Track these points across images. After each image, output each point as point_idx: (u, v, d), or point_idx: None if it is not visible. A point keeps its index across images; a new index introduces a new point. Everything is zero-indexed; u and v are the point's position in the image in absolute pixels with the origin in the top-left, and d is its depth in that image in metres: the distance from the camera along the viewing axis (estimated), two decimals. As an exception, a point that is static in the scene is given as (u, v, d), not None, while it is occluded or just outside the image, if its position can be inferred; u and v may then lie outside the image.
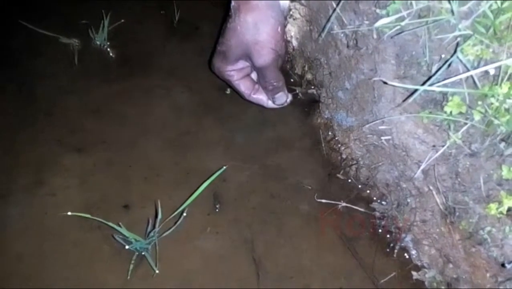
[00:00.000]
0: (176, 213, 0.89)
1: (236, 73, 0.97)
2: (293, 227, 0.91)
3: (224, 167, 0.93)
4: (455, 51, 0.65)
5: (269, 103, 1.01)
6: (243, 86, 0.99)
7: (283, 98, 1.00)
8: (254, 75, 1.00)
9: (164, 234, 0.87)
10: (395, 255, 0.88)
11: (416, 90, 0.70)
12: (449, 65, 0.66)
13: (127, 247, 0.86)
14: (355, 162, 0.96)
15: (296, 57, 1.11)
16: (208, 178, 0.91)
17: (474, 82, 0.65)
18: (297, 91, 1.11)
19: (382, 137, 0.85)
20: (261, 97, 1.01)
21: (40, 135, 1.01)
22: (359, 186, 0.96)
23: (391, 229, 0.90)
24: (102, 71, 1.14)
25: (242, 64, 0.96)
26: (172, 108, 1.08)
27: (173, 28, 1.25)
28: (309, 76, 1.09)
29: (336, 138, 1.00)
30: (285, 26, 0.93)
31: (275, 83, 0.96)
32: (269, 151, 1.02)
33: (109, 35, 1.18)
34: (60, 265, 0.85)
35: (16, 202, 0.92)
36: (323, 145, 1.02)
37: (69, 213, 0.87)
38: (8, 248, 0.87)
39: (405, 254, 0.88)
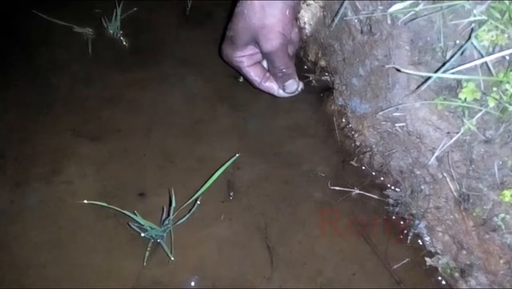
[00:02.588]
0: (190, 200, 0.89)
1: (245, 59, 0.96)
2: (306, 214, 0.92)
3: (237, 155, 0.94)
4: (469, 37, 0.64)
5: (280, 92, 1.00)
6: (253, 74, 0.98)
7: (294, 86, 0.98)
8: (265, 63, 0.99)
9: (179, 222, 0.88)
10: (408, 242, 0.88)
11: (430, 77, 0.69)
12: (463, 51, 0.66)
13: (142, 234, 0.87)
14: (369, 149, 0.96)
15: (309, 44, 1.11)
16: (221, 166, 0.91)
17: (489, 68, 0.65)
18: (311, 78, 1.10)
19: (396, 124, 0.84)
20: (271, 85, 0.99)
21: (55, 125, 1.02)
22: (373, 173, 0.96)
23: (405, 215, 0.90)
24: (115, 60, 1.14)
25: (251, 50, 0.94)
26: (186, 97, 1.08)
27: (186, 16, 1.24)
28: (322, 62, 1.09)
29: (350, 125, 1.00)
30: (295, 9, 0.91)
31: (284, 70, 0.95)
32: (283, 138, 1.02)
33: (122, 24, 1.18)
34: (77, 253, 0.86)
35: (33, 190, 0.93)
36: (336, 132, 1.02)
37: (85, 201, 0.88)
38: (25, 236, 0.88)
39: (419, 241, 0.88)
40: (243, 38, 0.91)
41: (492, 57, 0.63)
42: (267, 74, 0.98)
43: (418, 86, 0.76)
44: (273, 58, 0.92)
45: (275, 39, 0.89)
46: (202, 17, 1.24)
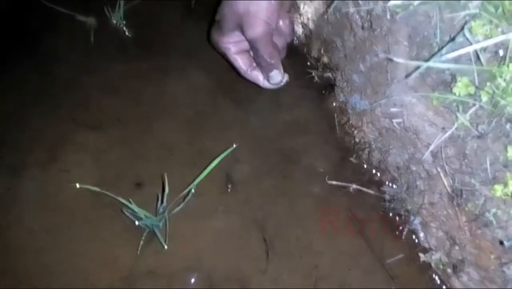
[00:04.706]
0: (186, 190, 0.90)
1: (232, 46, 0.96)
2: (304, 208, 0.92)
3: (235, 145, 0.93)
4: (462, 28, 0.64)
5: (265, 83, 1.00)
6: (240, 61, 0.98)
7: (278, 77, 0.98)
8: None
9: (174, 211, 0.88)
10: (403, 238, 0.88)
11: (422, 64, 0.69)
12: (456, 40, 0.66)
13: (137, 223, 0.87)
14: (367, 146, 0.96)
15: (312, 40, 1.11)
16: (219, 156, 0.92)
17: (480, 60, 0.65)
18: (313, 74, 1.10)
19: (394, 120, 0.84)
20: (257, 75, 0.99)
21: (55, 113, 1.02)
22: (371, 170, 0.96)
23: (401, 212, 0.90)
24: (118, 50, 1.14)
25: (237, 37, 0.94)
26: (187, 89, 1.08)
27: (190, 9, 1.25)
28: (325, 59, 1.08)
29: (350, 122, 1.00)
30: (284, 0, 0.91)
31: (267, 59, 0.94)
32: (283, 133, 1.02)
33: (126, 14, 1.18)
34: (72, 240, 0.87)
35: (30, 177, 0.93)
36: (337, 129, 1.02)
37: (77, 186, 0.88)
38: (21, 222, 0.89)
39: (414, 237, 0.88)
40: (229, 24, 0.92)
41: (483, 44, 0.62)
42: (254, 63, 0.98)
43: (410, 73, 0.75)
44: (257, 46, 0.92)
45: (258, 26, 0.89)
46: (207, 11, 1.22)
